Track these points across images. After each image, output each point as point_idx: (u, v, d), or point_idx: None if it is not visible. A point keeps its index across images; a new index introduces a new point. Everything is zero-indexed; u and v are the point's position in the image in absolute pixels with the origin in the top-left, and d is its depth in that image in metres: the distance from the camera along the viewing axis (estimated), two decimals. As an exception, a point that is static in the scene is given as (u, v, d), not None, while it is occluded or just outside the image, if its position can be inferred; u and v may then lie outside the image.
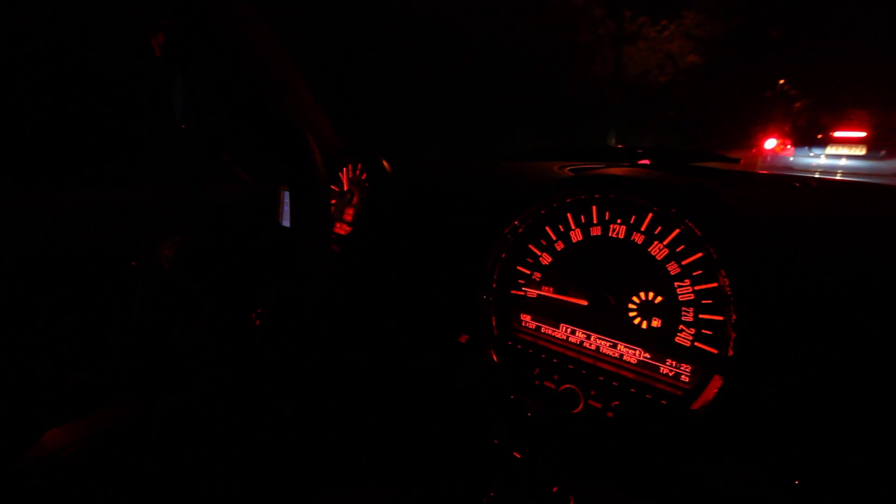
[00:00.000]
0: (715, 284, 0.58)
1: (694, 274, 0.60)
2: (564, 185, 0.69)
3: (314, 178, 0.68)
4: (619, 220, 0.67)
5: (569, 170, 0.97)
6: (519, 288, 0.78)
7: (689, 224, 0.58)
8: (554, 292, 0.74)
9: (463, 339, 0.82)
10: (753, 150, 6.00)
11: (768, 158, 5.71)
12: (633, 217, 0.65)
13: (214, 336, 0.87)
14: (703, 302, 0.60)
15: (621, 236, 0.67)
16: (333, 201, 1.16)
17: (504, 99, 11.00)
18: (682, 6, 15.40)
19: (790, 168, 5.38)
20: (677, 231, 0.61)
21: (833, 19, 15.36)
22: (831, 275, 0.57)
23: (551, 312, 0.75)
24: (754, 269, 0.56)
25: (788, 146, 5.58)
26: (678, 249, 0.62)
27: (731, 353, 0.56)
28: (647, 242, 0.64)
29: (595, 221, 0.69)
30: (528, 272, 0.76)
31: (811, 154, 5.30)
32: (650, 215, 0.64)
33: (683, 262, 0.61)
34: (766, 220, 0.65)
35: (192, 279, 0.90)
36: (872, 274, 0.56)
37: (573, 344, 0.72)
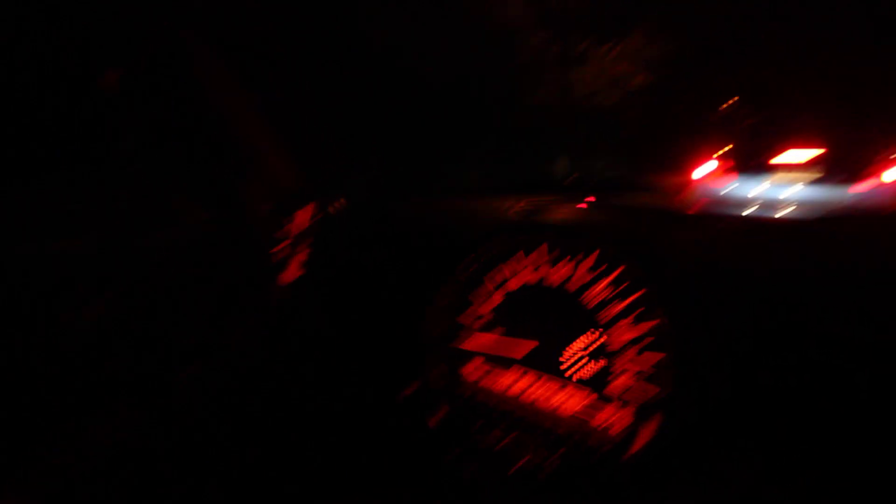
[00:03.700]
0: (652, 324, 0.62)
1: (634, 316, 0.65)
2: (504, 232, 0.73)
3: (237, 224, 0.67)
4: (559, 265, 0.70)
5: (513, 211, 1.01)
6: (460, 338, 0.79)
7: (627, 267, 0.63)
8: (494, 342, 0.75)
9: (407, 392, 0.82)
10: (694, 175, 6.07)
11: (709, 184, 5.86)
12: (573, 261, 0.69)
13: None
14: (641, 345, 0.64)
15: (566, 279, 0.70)
16: (281, 247, 1.17)
17: (450, 122, 11.09)
18: (627, 28, 16.21)
19: (734, 197, 5.58)
20: (615, 274, 0.65)
21: (780, 41, 16.31)
22: (760, 312, 0.62)
23: (493, 363, 0.76)
24: (691, 308, 0.61)
25: (731, 172, 5.77)
26: (616, 292, 0.66)
27: (668, 391, 0.60)
28: (591, 284, 0.68)
29: (541, 264, 0.72)
30: (470, 320, 0.78)
31: (755, 181, 5.51)
32: (588, 259, 0.67)
33: (624, 305, 0.65)
34: (701, 260, 0.70)
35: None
36: (801, 309, 0.61)
37: (514, 395, 0.74)
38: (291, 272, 1.14)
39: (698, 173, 5.84)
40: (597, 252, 0.65)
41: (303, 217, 1.17)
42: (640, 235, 0.66)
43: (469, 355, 0.76)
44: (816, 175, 4.96)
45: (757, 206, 5.30)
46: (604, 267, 0.64)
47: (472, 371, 0.76)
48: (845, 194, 4.90)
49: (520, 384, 0.71)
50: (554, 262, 0.68)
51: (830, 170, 4.98)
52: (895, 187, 4.65)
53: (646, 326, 0.61)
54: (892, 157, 4.79)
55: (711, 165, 5.77)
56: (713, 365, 0.57)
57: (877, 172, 4.64)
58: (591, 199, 0.77)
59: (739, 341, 0.58)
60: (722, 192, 5.62)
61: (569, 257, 0.67)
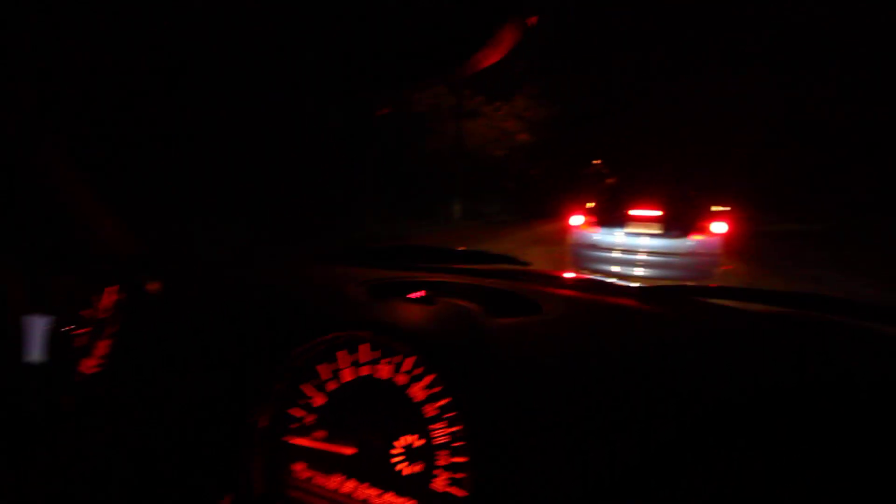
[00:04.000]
0: (458, 429, 0.60)
1: (447, 416, 0.61)
2: (332, 326, 0.68)
3: None
4: (384, 361, 0.67)
5: (364, 289, 0.94)
6: (292, 434, 0.71)
7: (436, 375, 0.61)
8: (325, 437, 0.69)
9: (227, 500, 0.71)
10: (570, 222, 6.19)
11: (576, 234, 6.00)
12: (397, 357, 0.66)
13: None
14: (455, 445, 0.61)
15: (386, 377, 0.66)
16: (82, 331, 0.97)
17: (343, 168, 10.94)
18: (512, 91, 18.04)
19: (596, 245, 5.77)
20: (434, 374, 0.62)
21: (635, 112, 19.28)
22: (573, 409, 0.60)
23: (324, 461, 0.69)
24: (488, 414, 0.58)
25: (594, 223, 5.91)
26: (434, 391, 0.62)
27: (467, 492, 0.57)
28: (409, 384, 0.64)
29: (364, 361, 0.68)
30: (302, 415, 0.71)
31: (613, 232, 5.69)
32: (411, 357, 0.64)
33: (438, 405, 0.62)
34: (514, 354, 0.68)
35: None
36: (612, 412, 0.59)
37: (343, 496, 0.68)
38: (94, 359, 0.96)
39: (574, 221, 6.41)
40: (410, 360, 0.64)
41: (112, 295, 0.98)
42: (444, 343, 0.64)
43: (299, 452, 0.70)
44: (660, 229, 5.60)
45: (617, 253, 5.96)
46: (419, 370, 0.64)
47: (303, 470, 0.71)
48: (685, 242, 5.73)
49: (344, 489, 0.68)
50: (376, 362, 0.67)
51: (671, 225, 5.65)
52: (722, 236, 5.68)
53: (454, 430, 0.61)
54: (716, 214, 5.86)
55: (581, 217, 6.32)
56: (510, 468, 0.56)
57: (707, 227, 5.62)
58: (421, 293, 0.76)
59: (544, 448, 0.58)
60: (591, 240, 6.22)
61: (388, 359, 0.66)
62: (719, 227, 5.44)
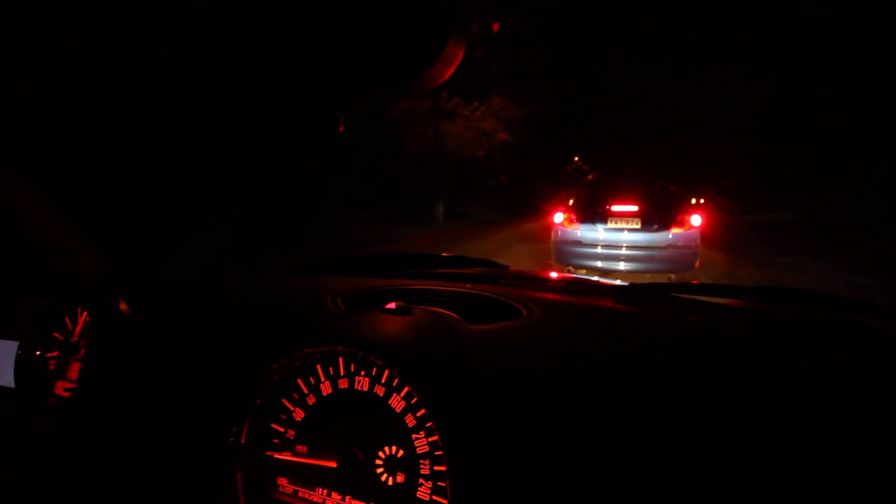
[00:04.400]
0: (435, 438, 0.60)
1: (426, 426, 0.62)
2: (307, 342, 0.68)
3: None
4: (362, 373, 0.67)
5: (341, 300, 0.94)
6: (274, 448, 0.71)
7: (409, 387, 0.61)
8: (307, 451, 0.69)
9: None
10: (554, 219, 6.24)
11: (559, 231, 6.03)
12: (375, 369, 0.66)
13: None
14: (436, 454, 0.61)
15: (365, 389, 0.66)
16: (55, 354, 0.96)
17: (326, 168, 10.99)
18: (488, 91, 18.20)
19: (578, 241, 5.82)
20: (408, 386, 0.63)
21: (612, 108, 19.60)
22: (554, 412, 0.61)
23: (307, 475, 0.69)
24: (463, 423, 0.59)
25: (575, 220, 5.96)
26: (412, 402, 0.63)
27: (448, 500, 0.57)
28: (388, 395, 0.65)
29: (342, 373, 0.68)
30: (283, 430, 0.71)
31: (595, 228, 5.76)
32: (386, 370, 0.65)
33: (417, 415, 0.62)
34: (493, 361, 0.69)
35: None
36: (590, 417, 0.60)
37: None
38: (67, 382, 0.94)
39: (556, 219, 6.48)
40: (387, 372, 0.65)
41: (83, 316, 0.97)
42: (417, 357, 0.64)
43: (282, 467, 0.71)
44: (640, 223, 5.77)
45: (599, 248, 6.04)
46: (396, 381, 0.64)
47: (287, 484, 0.71)
48: (665, 235, 5.85)
49: (329, 502, 0.69)
50: (353, 375, 0.68)
51: (650, 219, 5.80)
52: (699, 228, 5.80)
53: (433, 439, 0.62)
54: (694, 208, 5.97)
55: (563, 214, 6.39)
56: (490, 475, 0.57)
57: (686, 220, 5.73)
58: (398, 304, 0.76)
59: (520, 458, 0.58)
60: (573, 237, 6.29)
61: (363, 372, 0.67)
62: (697, 220, 5.56)
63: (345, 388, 0.67)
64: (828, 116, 17.14)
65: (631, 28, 18.44)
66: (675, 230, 5.46)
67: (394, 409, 0.64)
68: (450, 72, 0.41)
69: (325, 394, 0.69)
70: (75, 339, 0.95)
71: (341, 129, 0.45)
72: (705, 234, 5.82)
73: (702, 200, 6.64)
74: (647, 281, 1.25)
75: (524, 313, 0.84)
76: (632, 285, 1.06)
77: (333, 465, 0.66)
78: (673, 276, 5.47)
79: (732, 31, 17.72)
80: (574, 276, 1.54)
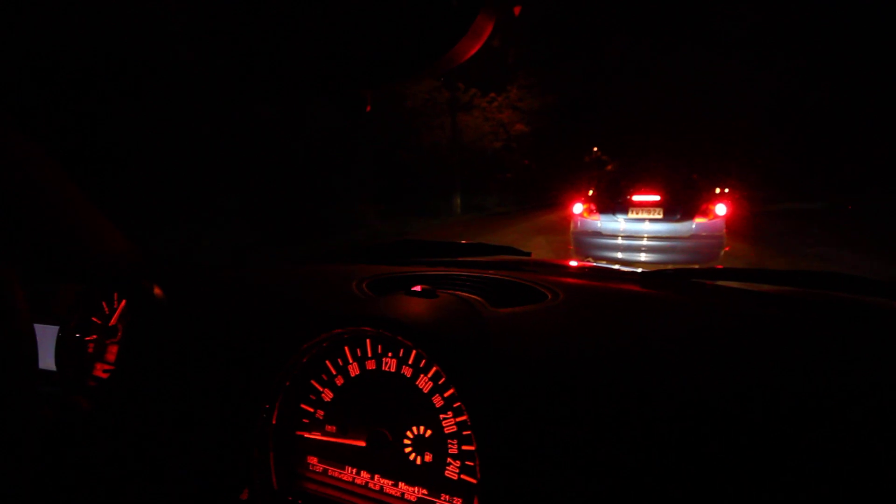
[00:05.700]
0: (464, 418, 0.61)
1: (454, 406, 0.62)
2: (332, 324, 0.69)
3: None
4: (389, 354, 0.68)
5: (366, 285, 0.95)
6: (304, 428, 0.73)
7: (438, 367, 0.62)
8: (336, 431, 0.71)
9: (244, 495, 0.73)
10: (574, 210, 6.14)
11: (578, 222, 5.93)
12: (402, 350, 0.67)
13: None
14: (464, 433, 0.62)
15: (393, 370, 0.67)
16: (93, 337, 1.00)
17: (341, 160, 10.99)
18: (505, 81, 18.02)
19: (598, 232, 5.71)
20: (436, 367, 0.63)
21: (631, 97, 19.24)
22: (578, 394, 0.61)
23: (336, 454, 0.71)
24: (492, 403, 0.59)
25: (595, 210, 5.84)
26: (440, 382, 0.63)
27: (477, 479, 0.59)
28: (415, 376, 0.66)
29: (370, 355, 0.69)
30: (312, 410, 0.73)
31: (615, 219, 5.64)
32: (410, 356, 0.66)
33: (445, 395, 0.63)
34: (518, 343, 0.69)
35: None
36: (616, 398, 0.59)
37: (359, 486, 0.70)
38: (106, 364, 0.98)
39: (575, 209, 6.39)
40: (414, 352, 0.66)
41: (120, 300, 1.00)
42: (443, 337, 0.64)
43: (312, 446, 0.73)
44: (662, 214, 5.68)
45: (619, 239, 5.95)
46: (423, 362, 0.65)
47: (317, 463, 0.73)
48: (688, 225, 5.80)
49: (359, 480, 0.70)
50: (380, 356, 0.69)
51: (673, 209, 5.71)
52: (724, 218, 5.65)
53: (460, 419, 0.63)
54: (718, 197, 5.83)
55: (582, 205, 6.28)
56: (514, 456, 0.58)
57: (710, 209, 5.59)
58: (423, 287, 0.77)
59: (545, 437, 0.59)
60: (593, 228, 6.19)
61: (390, 353, 0.68)
62: (722, 209, 5.41)
63: (372, 370, 0.68)
64: (856, 105, 16.51)
65: (653, 9, 18.01)
66: (699, 220, 5.32)
67: (421, 389, 0.65)
68: (477, 46, 0.41)
69: (353, 375, 0.70)
70: (113, 322, 0.98)
71: (368, 108, 0.46)
72: (730, 224, 5.68)
73: (727, 190, 6.45)
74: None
75: (549, 297, 0.85)
76: (654, 271, 1.04)
77: (362, 444, 0.67)
78: (697, 267, 5.34)
79: (760, 12, 17.18)
80: (596, 264, 1.53)
